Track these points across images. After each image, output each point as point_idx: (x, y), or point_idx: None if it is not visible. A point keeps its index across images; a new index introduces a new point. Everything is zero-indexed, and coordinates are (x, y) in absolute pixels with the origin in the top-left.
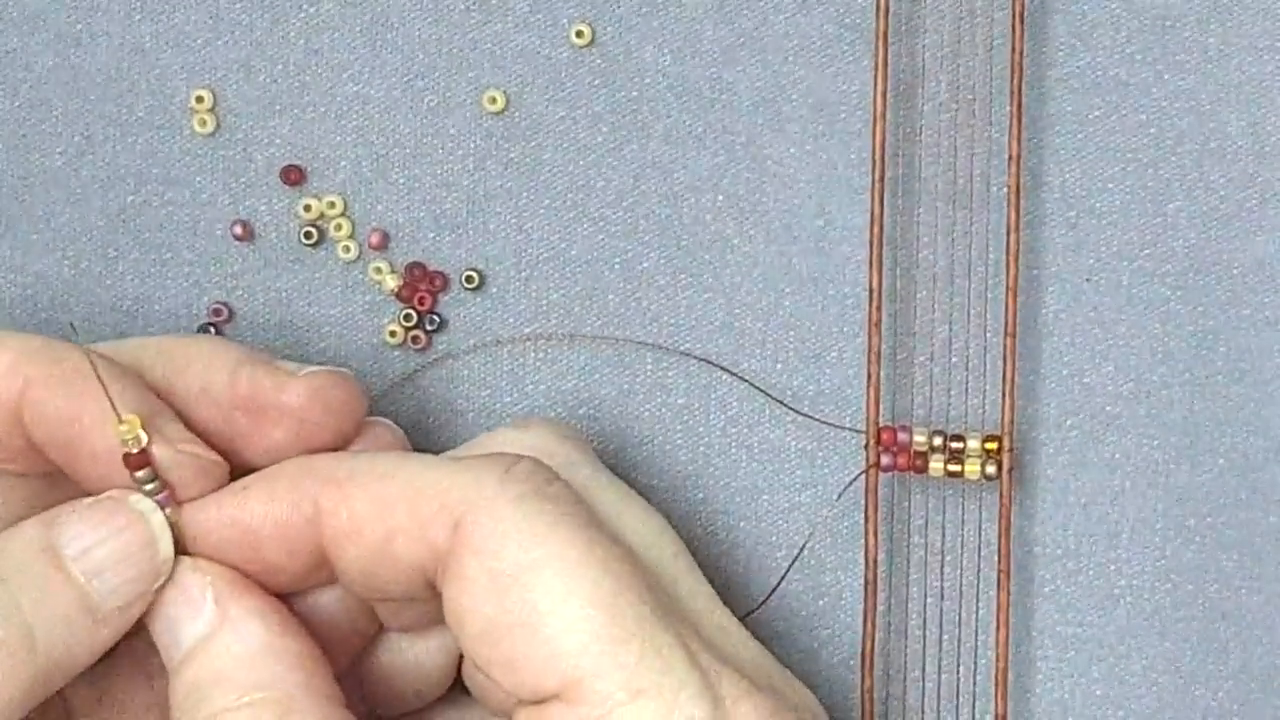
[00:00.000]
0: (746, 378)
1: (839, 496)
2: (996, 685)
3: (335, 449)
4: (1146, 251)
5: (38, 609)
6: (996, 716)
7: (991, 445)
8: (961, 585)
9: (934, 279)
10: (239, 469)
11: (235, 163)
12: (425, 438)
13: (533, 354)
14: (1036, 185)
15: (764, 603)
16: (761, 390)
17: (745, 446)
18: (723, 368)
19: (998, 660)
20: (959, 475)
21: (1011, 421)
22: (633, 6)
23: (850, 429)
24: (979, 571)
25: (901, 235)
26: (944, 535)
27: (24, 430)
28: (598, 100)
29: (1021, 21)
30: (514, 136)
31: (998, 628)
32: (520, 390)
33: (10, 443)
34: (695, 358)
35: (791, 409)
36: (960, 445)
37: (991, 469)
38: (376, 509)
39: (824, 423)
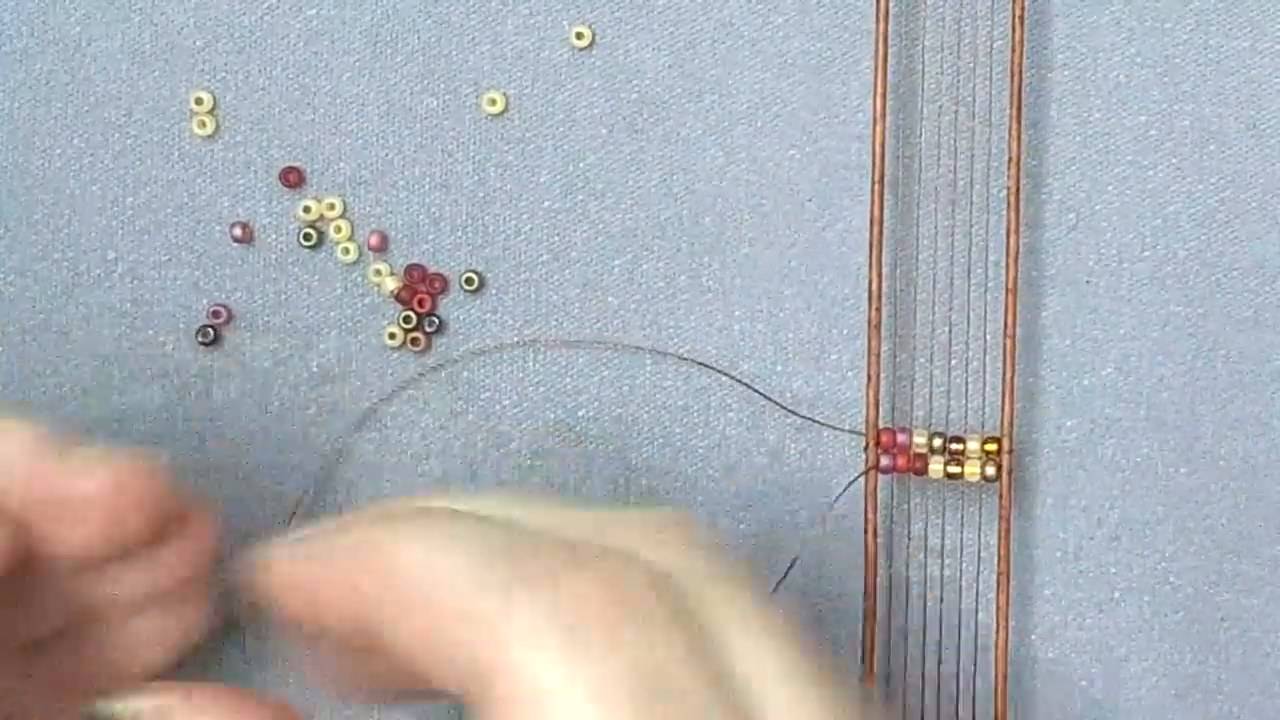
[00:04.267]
0: (746, 380)
1: (836, 499)
2: (996, 687)
3: (147, 540)
4: (1147, 253)
5: None
6: (996, 717)
7: (991, 447)
8: (961, 587)
9: (933, 281)
10: (53, 560)
11: (235, 165)
12: (425, 439)
13: (533, 357)
14: (1037, 187)
15: None
16: (761, 393)
17: (745, 449)
18: (723, 371)
19: (997, 662)
20: (959, 477)
21: (1011, 423)
22: (632, 9)
23: (849, 431)
24: (979, 573)
25: (901, 237)
26: (944, 537)
27: None
28: (597, 102)
29: (1022, 24)
30: (513, 138)
31: (997, 630)
32: (520, 393)
33: None
34: (696, 362)
35: (791, 411)
36: (960, 447)
37: (991, 470)
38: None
39: (823, 424)
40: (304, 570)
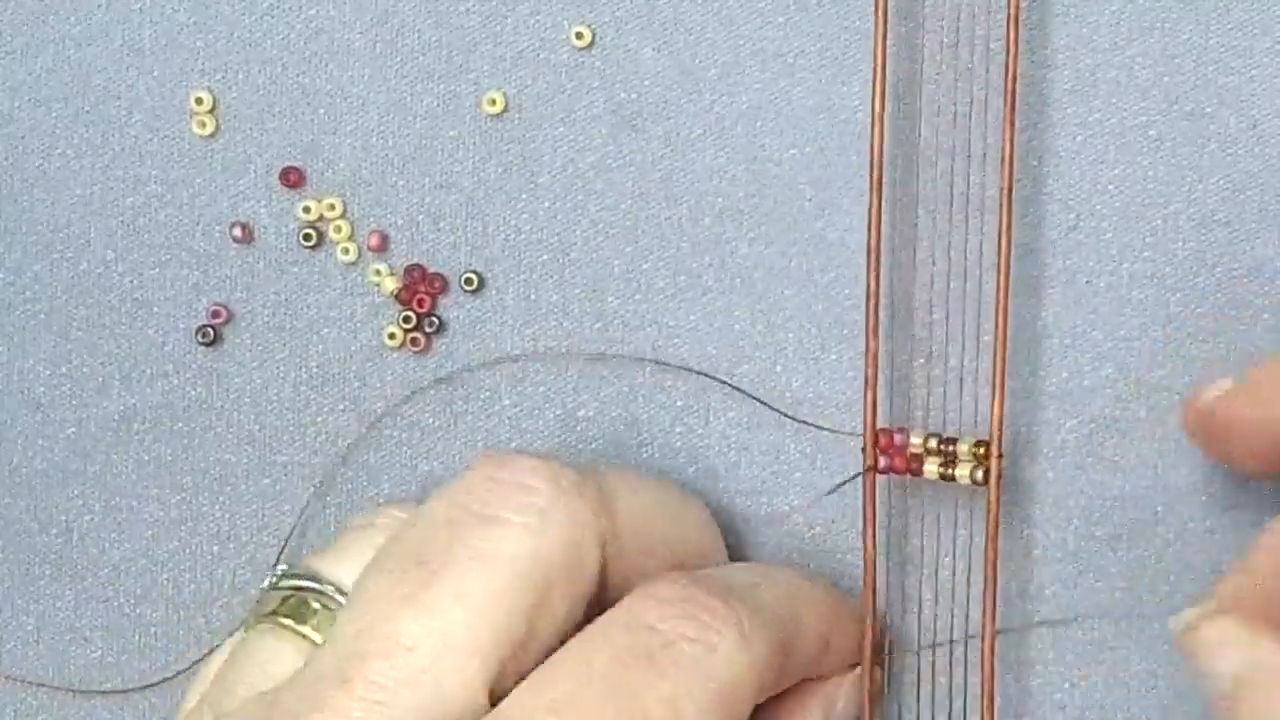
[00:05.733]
0: (744, 383)
1: (826, 494)
2: (982, 688)
3: None
4: (1147, 253)
5: None
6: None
7: (980, 450)
8: (954, 588)
9: (931, 281)
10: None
11: (234, 165)
12: (425, 439)
13: (532, 359)
14: (1036, 188)
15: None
16: (755, 398)
17: (744, 451)
18: (718, 379)
19: (983, 665)
20: (951, 479)
21: (1001, 425)
22: (633, 8)
23: (846, 433)
24: (970, 575)
25: (901, 238)
26: (939, 538)
27: None
28: (597, 102)
29: (1016, 24)
30: (513, 138)
31: (983, 633)
32: (520, 394)
33: None
34: (692, 370)
35: (784, 414)
36: (952, 449)
37: (980, 474)
38: None
39: (818, 427)
40: None
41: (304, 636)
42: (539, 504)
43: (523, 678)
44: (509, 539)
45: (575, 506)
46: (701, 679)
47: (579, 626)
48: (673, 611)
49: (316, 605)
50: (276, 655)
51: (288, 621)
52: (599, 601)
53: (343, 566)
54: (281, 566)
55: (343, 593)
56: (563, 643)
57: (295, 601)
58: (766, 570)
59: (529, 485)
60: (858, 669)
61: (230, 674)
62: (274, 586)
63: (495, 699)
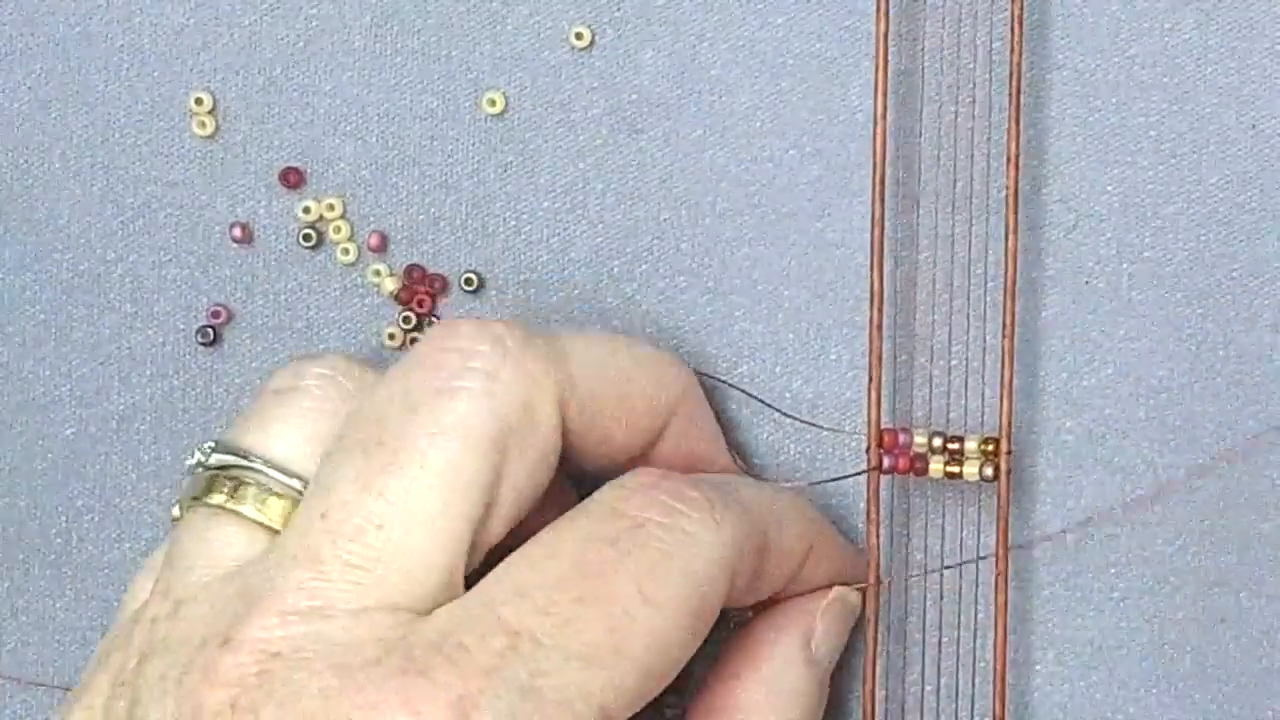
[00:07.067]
0: (744, 383)
1: (816, 483)
2: (995, 688)
3: None
4: (1146, 254)
5: None
6: (994, 718)
7: (989, 447)
8: (960, 587)
9: (934, 281)
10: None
11: (234, 165)
12: None
13: None
14: (1036, 187)
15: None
16: (756, 398)
17: (745, 449)
18: (719, 379)
19: (995, 663)
20: (958, 477)
21: (1009, 423)
22: (632, 9)
23: (848, 433)
24: (978, 573)
25: (902, 237)
26: (943, 537)
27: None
28: (597, 103)
29: (1020, 24)
30: (513, 139)
31: (995, 631)
32: None
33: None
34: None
35: (785, 414)
36: (958, 446)
37: (989, 471)
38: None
39: (820, 427)
40: None
41: (247, 518)
42: (485, 367)
43: (493, 551)
44: (459, 407)
45: (524, 364)
46: (669, 560)
47: (548, 494)
48: (640, 498)
49: (252, 484)
50: (223, 537)
51: (230, 505)
52: (572, 468)
53: (273, 438)
54: (209, 443)
55: (277, 468)
56: (541, 518)
57: (230, 483)
58: (749, 478)
59: (474, 350)
60: (835, 590)
61: (179, 560)
62: (204, 466)
63: (469, 574)
